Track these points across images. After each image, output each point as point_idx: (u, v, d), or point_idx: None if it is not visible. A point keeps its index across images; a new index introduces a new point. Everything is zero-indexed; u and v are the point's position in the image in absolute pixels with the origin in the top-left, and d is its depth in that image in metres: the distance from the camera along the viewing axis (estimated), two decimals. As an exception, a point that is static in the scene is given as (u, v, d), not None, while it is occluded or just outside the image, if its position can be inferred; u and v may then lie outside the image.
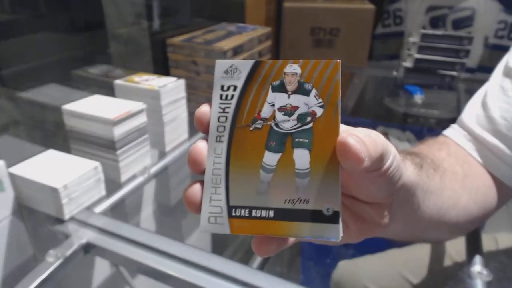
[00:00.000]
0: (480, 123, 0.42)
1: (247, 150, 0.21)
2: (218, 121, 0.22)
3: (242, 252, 1.28)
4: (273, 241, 0.22)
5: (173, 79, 0.70)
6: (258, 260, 0.52)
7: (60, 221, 0.51)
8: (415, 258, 0.68)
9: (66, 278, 0.52)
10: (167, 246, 0.47)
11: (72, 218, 0.52)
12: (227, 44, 0.80)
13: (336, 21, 1.19)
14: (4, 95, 0.64)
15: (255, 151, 0.21)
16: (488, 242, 0.57)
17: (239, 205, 0.21)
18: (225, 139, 0.21)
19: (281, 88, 0.22)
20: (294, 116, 0.21)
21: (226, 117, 0.22)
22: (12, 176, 0.51)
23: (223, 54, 0.78)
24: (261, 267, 0.52)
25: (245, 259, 0.51)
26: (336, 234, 0.19)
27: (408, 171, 0.26)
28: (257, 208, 0.20)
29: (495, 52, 1.41)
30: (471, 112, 0.45)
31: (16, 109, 0.66)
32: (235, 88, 0.22)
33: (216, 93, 0.22)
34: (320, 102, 0.21)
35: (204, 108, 0.22)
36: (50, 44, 0.70)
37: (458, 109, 0.99)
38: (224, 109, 0.22)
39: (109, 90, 0.69)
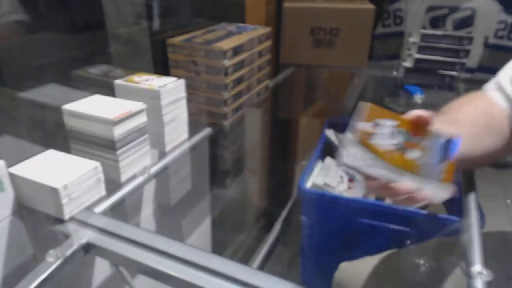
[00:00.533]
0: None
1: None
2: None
3: (242, 252, 1.28)
4: None
5: (173, 79, 0.70)
6: (258, 260, 0.52)
7: (60, 221, 0.51)
8: (418, 260, 0.68)
9: (66, 278, 0.52)
10: (167, 246, 0.47)
11: (72, 218, 0.52)
12: (227, 44, 0.80)
13: (336, 21, 1.19)
14: (4, 95, 0.64)
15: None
16: (489, 240, 0.57)
17: None
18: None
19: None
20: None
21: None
22: (12, 176, 0.51)
23: (223, 54, 0.78)
24: (261, 267, 0.52)
25: (245, 259, 0.51)
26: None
27: None
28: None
29: (495, 52, 1.41)
30: (507, 71, 0.56)
31: (16, 109, 0.66)
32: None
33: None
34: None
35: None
36: (50, 44, 0.70)
37: (458, 109, 0.99)
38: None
39: (109, 90, 0.69)
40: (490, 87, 0.58)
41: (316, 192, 0.93)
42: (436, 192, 0.39)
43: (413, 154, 0.38)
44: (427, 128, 0.40)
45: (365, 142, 0.38)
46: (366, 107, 0.39)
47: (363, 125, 0.39)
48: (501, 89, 0.55)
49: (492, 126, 0.52)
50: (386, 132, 0.38)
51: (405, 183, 0.38)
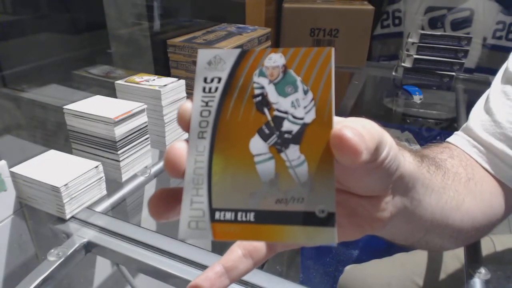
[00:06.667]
0: (485, 129, 0.41)
1: (233, 146, 0.19)
2: (201, 115, 0.20)
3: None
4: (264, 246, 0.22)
5: (173, 79, 0.70)
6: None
7: (62, 220, 0.52)
8: (424, 263, 0.67)
9: (68, 277, 0.52)
10: (168, 245, 0.47)
11: (73, 217, 0.52)
12: (227, 44, 0.81)
13: (336, 22, 1.19)
14: (6, 95, 0.64)
15: (241, 147, 0.19)
16: (485, 243, 0.58)
17: (223, 208, 0.18)
18: (208, 135, 0.19)
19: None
20: None
21: (210, 111, 0.20)
22: (14, 176, 0.52)
23: (223, 55, 0.79)
24: (261, 266, 0.53)
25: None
26: (332, 238, 0.17)
27: (406, 162, 0.24)
28: (243, 210, 0.18)
29: (493, 52, 1.42)
30: (476, 118, 0.44)
31: (18, 110, 0.66)
32: (219, 80, 0.20)
33: (199, 85, 0.20)
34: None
35: (187, 104, 0.20)
36: (52, 44, 0.70)
37: (457, 109, 1.00)
38: (207, 102, 0.20)
39: (110, 90, 0.70)
40: (458, 141, 0.43)
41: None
42: None
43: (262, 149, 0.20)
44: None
45: None
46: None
47: None
48: (476, 139, 0.42)
49: (477, 185, 0.38)
50: None
51: None
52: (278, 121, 0.19)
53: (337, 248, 0.99)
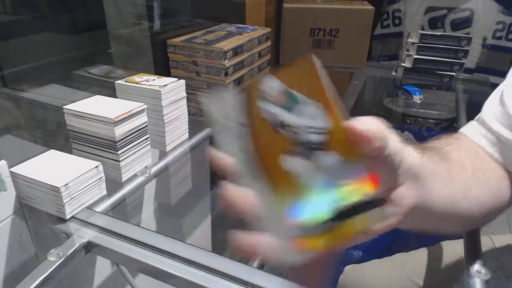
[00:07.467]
0: (498, 120, 0.43)
1: (277, 177, 0.22)
2: (240, 161, 0.23)
3: (241, 251, 1.28)
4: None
5: (173, 79, 0.70)
6: (258, 259, 0.52)
7: (62, 220, 0.52)
8: (424, 263, 0.68)
9: (68, 277, 0.52)
10: (168, 245, 0.47)
11: (73, 217, 0.52)
12: (227, 44, 0.81)
13: (336, 22, 1.19)
14: (6, 95, 0.65)
15: (283, 173, 0.22)
16: (485, 242, 0.57)
17: (295, 228, 0.21)
18: (254, 175, 0.22)
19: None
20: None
21: (246, 155, 0.23)
22: (14, 176, 0.52)
23: (223, 55, 0.79)
24: (261, 266, 0.53)
25: (245, 259, 0.51)
26: (385, 216, 0.21)
27: (410, 156, 0.27)
28: (316, 223, 0.21)
29: (493, 52, 1.42)
30: (489, 110, 0.45)
31: (17, 110, 0.66)
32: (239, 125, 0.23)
33: (225, 138, 0.24)
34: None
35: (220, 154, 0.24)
36: (51, 44, 0.70)
37: (457, 109, 1.00)
38: (239, 148, 0.23)
39: (110, 90, 0.70)
40: (470, 131, 0.44)
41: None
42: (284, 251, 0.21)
43: (298, 164, 0.21)
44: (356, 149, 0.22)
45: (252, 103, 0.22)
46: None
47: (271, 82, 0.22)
48: (488, 130, 0.43)
49: (484, 174, 0.39)
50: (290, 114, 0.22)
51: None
52: (300, 137, 0.21)
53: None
